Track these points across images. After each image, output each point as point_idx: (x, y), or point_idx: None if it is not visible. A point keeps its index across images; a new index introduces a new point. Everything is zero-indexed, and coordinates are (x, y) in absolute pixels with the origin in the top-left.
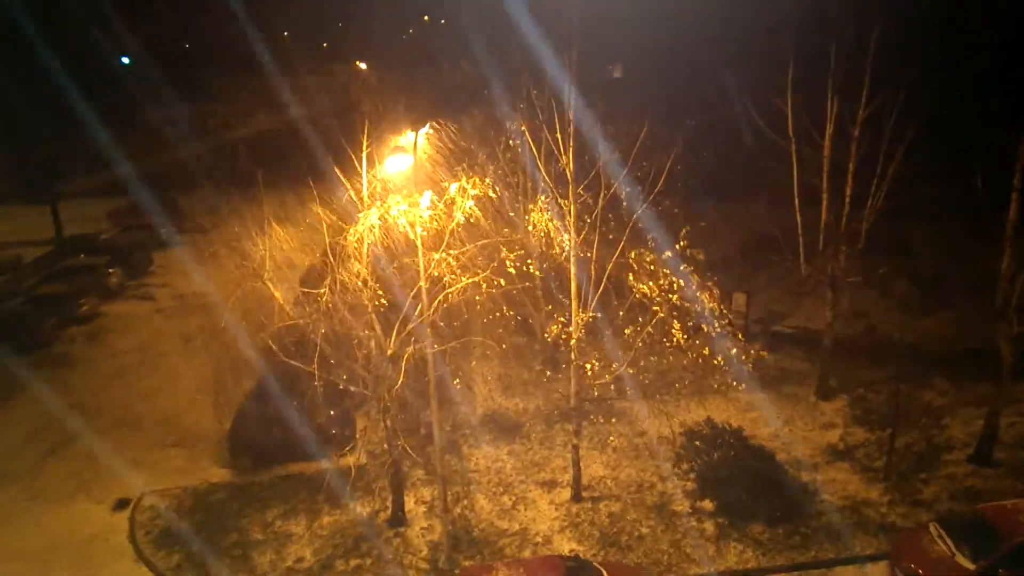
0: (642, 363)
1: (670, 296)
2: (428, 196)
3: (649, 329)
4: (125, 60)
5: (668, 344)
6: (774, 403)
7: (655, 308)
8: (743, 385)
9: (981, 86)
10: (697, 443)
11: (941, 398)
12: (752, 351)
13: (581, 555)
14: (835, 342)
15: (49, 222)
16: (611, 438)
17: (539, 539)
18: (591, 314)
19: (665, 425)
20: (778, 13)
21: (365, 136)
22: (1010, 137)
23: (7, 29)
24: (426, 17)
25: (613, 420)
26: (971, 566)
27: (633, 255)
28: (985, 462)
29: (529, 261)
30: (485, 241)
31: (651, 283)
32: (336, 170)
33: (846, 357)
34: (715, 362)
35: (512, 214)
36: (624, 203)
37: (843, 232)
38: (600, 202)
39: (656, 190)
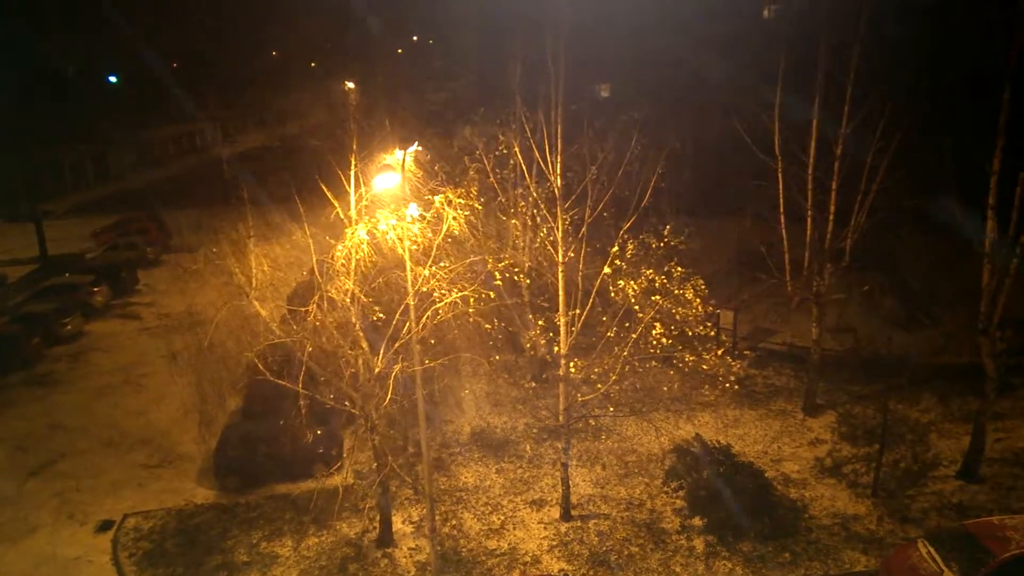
0: (627, 370)
1: (653, 298)
2: (414, 208)
3: (633, 336)
4: (112, 79)
5: (654, 350)
6: (762, 419)
7: (638, 314)
8: (734, 387)
9: (956, 104)
10: (687, 460)
11: (927, 414)
12: (737, 367)
13: (571, 575)
14: (822, 358)
15: (34, 240)
16: (601, 456)
17: (528, 559)
18: (579, 317)
19: (654, 442)
20: (764, 35)
21: (354, 154)
22: (984, 154)
23: None
24: (414, 37)
25: (602, 437)
26: None
27: (615, 249)
28: (972, 478)
29: (516, 268)
30: (474, 258)
31: (633, 283)
32: (323, 187)
33: (833, 373)
34: (703, 367)
35: (504, 220)
36: (611, 217)
37: (828, 249)
38: (587, 219)
39: (643, 203)
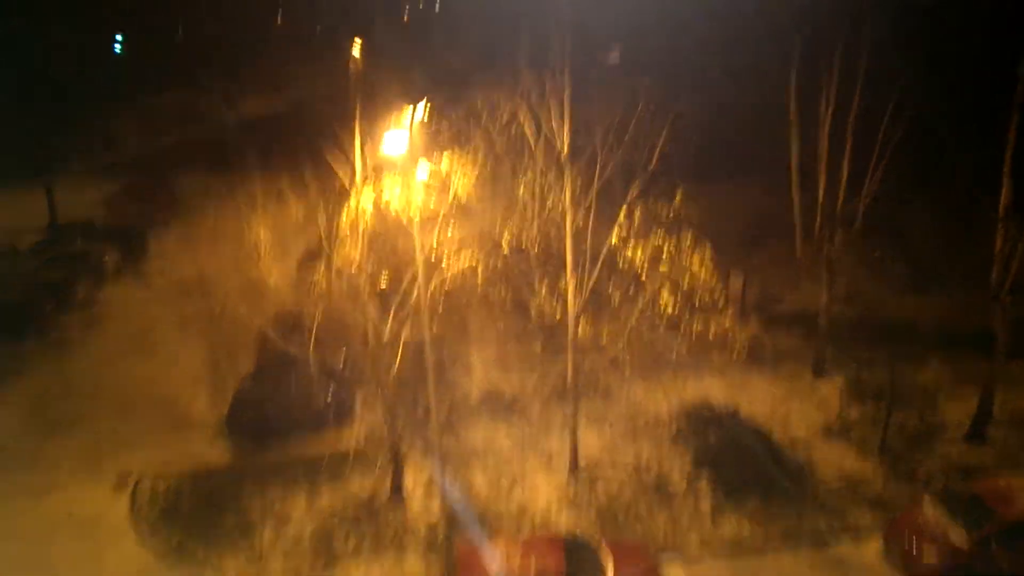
0: (635, 335)
1: (661, 269)
2: (422, 168)
3: (641, 301)
4: (117, 46)
5: (661, 316)
6: (771, 382)
7: (644, 280)
8: (743, 354)
9: (973, 68)
10: (694, 422)
11: (936, 377)
12: (745, 334)
13: (579, 533)
14: (831, 322)
15: (44, 207)
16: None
17: (537, 517)
18: (587, 282)
19: (662, 404)
20: None
21: (356, 119)
22: (1000, 120)
23: None
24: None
25: (610, 399)
26: (964, 543)
27: (622, 214)
28: (979, 440)
29: (524, 233)
30: (481, 224)
31: (640, 250)
32: (327, 156)
33: (842, 337)
34: (711, 333)
35: (511, 185)
36: (620, 183)
37: (839, 212)
38: (595, 183)
39: (651, 167)
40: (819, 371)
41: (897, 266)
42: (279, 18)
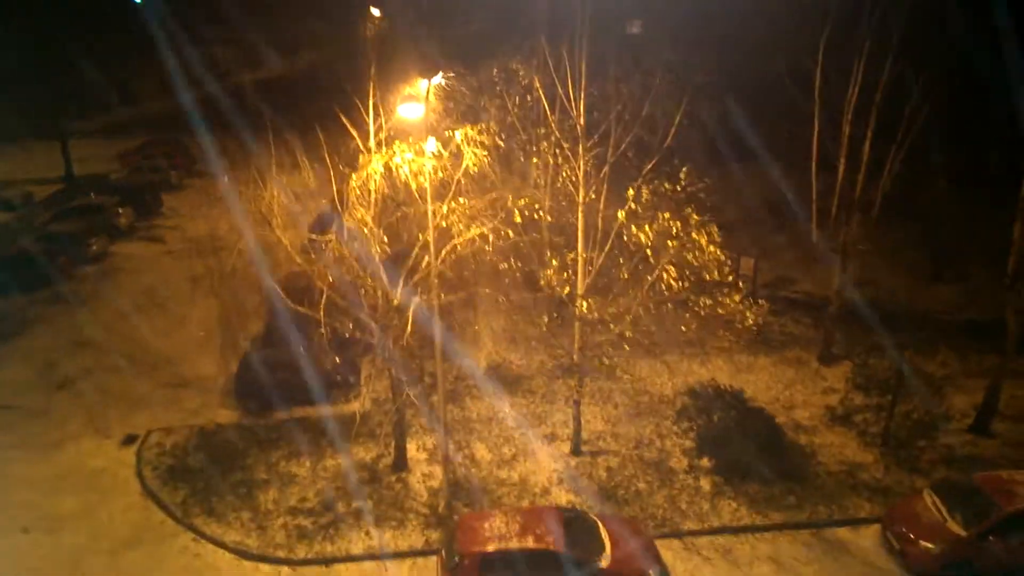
0: (642, 312)
1: (668, 243)
2: (432, 143)
3: (649, 277)
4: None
5: (667, 294)
6: (777, 366)
7: (650, 258)
8: (754, 328)
9: (1001, 56)
10: (698, 402)
11: (944, 368)
12: (755, 311)
13: (578, 507)
14: (842, 308)
15: (59, 160)
16: (613, 395)
17: (537, 490)
18: (597, 258)
19: (667, 384)
20: None
21: (372, 82)
22: None
23: None
24: None
25: (616, 376)
26: (963, 532)
27: (630, 193)
28: (983, 433)
29: (537, 205)
30: (493, 196)
31: (647, 227)
32: (343, 118)
33: (852, 324)
34: (719, 311)
35: (522, 159)
36: (634, 159)
37: (857, 198)
38: (609, 158)
39: (666, 144)
40: (826, 356)
41: (912, 253)
42: None
